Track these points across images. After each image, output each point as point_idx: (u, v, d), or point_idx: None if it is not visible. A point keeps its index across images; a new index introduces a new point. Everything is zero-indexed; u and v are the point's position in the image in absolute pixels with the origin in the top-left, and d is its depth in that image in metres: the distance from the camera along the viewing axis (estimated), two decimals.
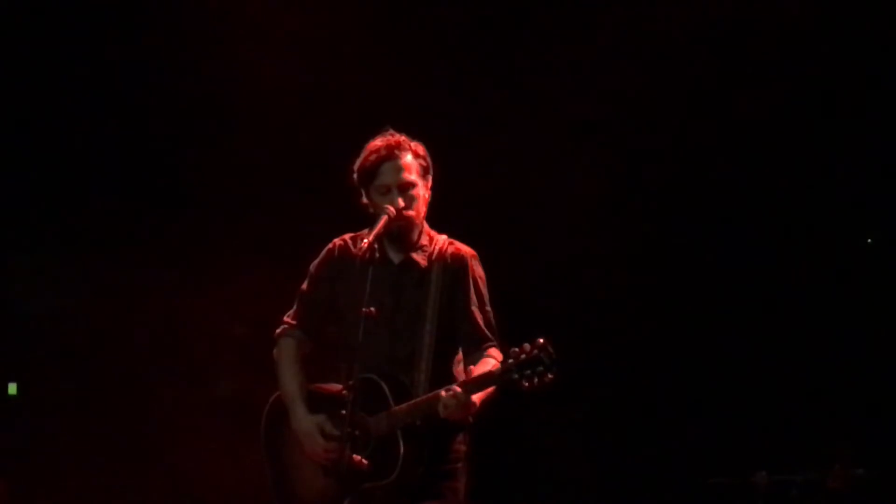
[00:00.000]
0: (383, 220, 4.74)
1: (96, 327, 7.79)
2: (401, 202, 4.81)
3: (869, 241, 7.67)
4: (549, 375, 4.45)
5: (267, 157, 7.64)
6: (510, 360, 4.50)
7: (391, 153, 4.85)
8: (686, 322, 7.59)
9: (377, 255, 4.73)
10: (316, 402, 4.88)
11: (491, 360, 4.79)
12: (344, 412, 4.61)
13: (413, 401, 4.72)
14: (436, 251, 4.94)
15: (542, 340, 4.47)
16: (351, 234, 5.01)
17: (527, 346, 4.49)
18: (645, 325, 7.63)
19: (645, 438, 7.57)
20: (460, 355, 4.97)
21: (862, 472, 6.51)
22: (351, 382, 4.51)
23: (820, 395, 7.32)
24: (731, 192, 7.57)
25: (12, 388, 7.85)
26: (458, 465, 4.88)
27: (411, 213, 4.84)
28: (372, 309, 4.58)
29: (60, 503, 7.56)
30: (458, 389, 4.57)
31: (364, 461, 4.59)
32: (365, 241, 4.66)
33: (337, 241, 5.04)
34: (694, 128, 7.47)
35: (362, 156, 4.91)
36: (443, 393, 4.60)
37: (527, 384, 4.46)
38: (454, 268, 4.91)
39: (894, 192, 7.41)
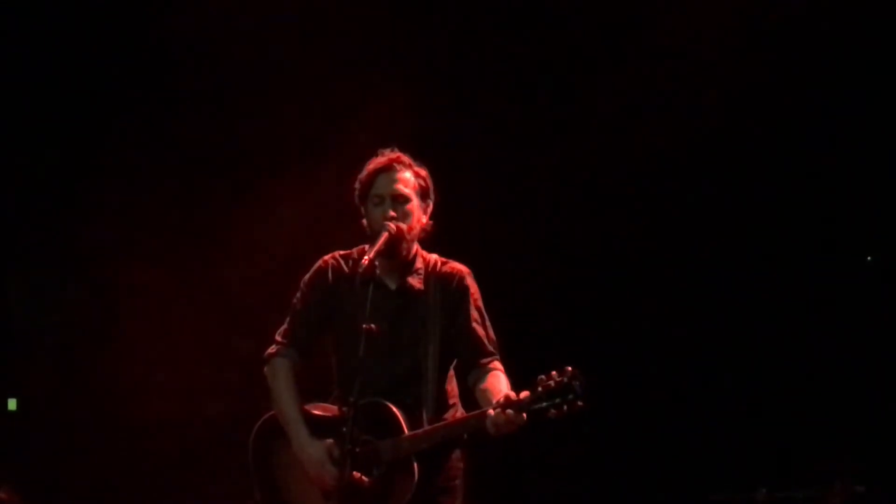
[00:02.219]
0: (384, 236, 4.73)
1: (96, 343, 7.78)
2: (392, 214, 4.80)
3: (869, 259, 7.68)
4: (580, 403, 4.41)
5: None
6: (539, 389, 4.46)
7: (390, 165, 4.87)
8: (687, 338, 7.59)
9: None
10: (317, 427, 4.83)
11: (501, 376, 4.79)
12: (361, 437, 4.60)
13: (441, 423, 4.74)
14: (430, 273, 4.94)
15: (570, 368, 4.45)
16: (341, 252, 5.00)
17: (554, 374, 4.45)
18: (645, 341, 7.63)
19: (645, 455, 7.56)
20: (452, 372, 4.96)
21: (862, 489, 6.51)
22: (352, 399, 4.47)
23: (820, 413, 7.31)
24: (734, 211, 7.58)
25: (12, 404, 7.84)
26: (457, 482, 4.88)
27: (402, 225, 4.81)
28: (373, 326, 4.55)
29: None
30: (511, 412, 4.49)
31: (364, 478, 4.57)
32: (366, 257, 4.63)
33: (328, 258, 5.01)
34: (697, 146, 7.48)
35: (363, 171, 4.92)
36: (491, 411, 4.55)
37: (554, 412, 4.43)
38: (451, 287, 4.92)
39: (894, 211, 7.42)
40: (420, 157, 5.00)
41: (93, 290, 7.81)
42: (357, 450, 4.48)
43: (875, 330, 7.40)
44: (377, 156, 4.95)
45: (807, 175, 7.45)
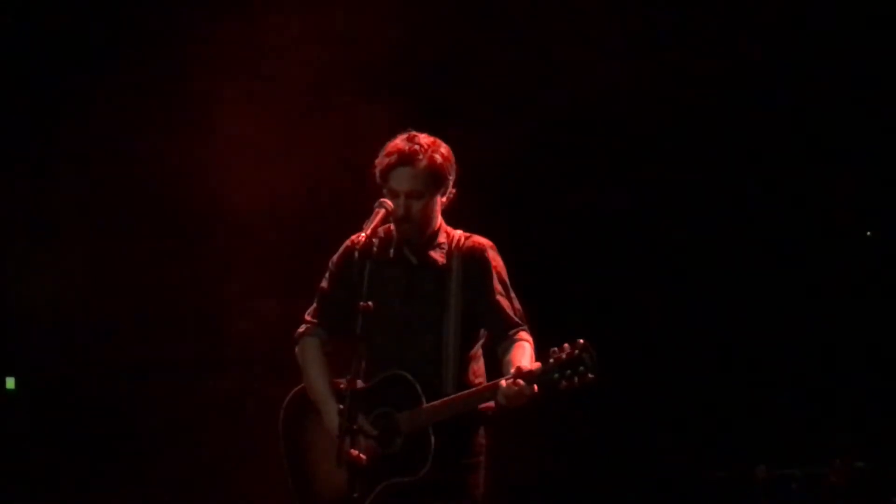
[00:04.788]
0: (380, 214, 4.76)
1: (95, 321, 7.77)
2: (404, 210, 4.84)
3: (868, 234, 7.67)
4: (591, 375, 4.50)
5: None
6: (550, 360, 4.54)
7: (405, 159, 4.85)
8: (685, 316, 7.59)
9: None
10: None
11: (526, 346, 4.84)
12: (381, 409, 4.76)
13: (458, 394, 4.78)
14: (453, 247, 4.97)
15: (582, 341, 4.52)
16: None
17: (567, 346, 4.53)
18: (644, 319, 7.63)
19: (645, 432, 7.58)
20: (479, 351, 5.01)
21: (861, 465, 6.52)
22: (348, 378, 4.52)
23: (820, 389, 7.32)
24: (730, 188, 7.58)
25: (10, 383, 7.84)
26: (480, 458, 4.93)
27: (413, 225, 4.87)
28: (370, 303, 4.58)
29: (58, 498, 7.56)
30: (522, 382, 4.56)
31: (362, 456, 4.59)
32: (362, 234, 4.67)
33: (355, 237, 4.98)
34: (694, 123, 7.46)
35: (380, 156, 4.92)
36: (503, 383, 4.62)
37: (565, 384, 4.50)
38: (473, 261, 4.94)
39: (894, 186, 7.41)
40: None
41: (93, 268, 7.79)
42: (355, 427, 4.50)
43: (875, 305, 7.39)
44: (394, 138, 4.94)
45: (806, 150, 7.44)
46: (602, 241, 7.71)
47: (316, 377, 4.99)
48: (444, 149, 4.94)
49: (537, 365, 4.59)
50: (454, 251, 4.95)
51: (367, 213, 4.77)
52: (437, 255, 4.95)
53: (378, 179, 4.92)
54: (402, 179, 4.84)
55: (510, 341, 4.87)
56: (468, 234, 5.02)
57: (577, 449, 7.65)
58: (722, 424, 7.42)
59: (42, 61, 7.57)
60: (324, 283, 5.07)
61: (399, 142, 4.90)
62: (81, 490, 7.56)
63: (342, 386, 4.84)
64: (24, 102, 7.63)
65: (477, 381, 4.96)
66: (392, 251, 4.92)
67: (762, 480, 6.57)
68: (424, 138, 4.92)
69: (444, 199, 4.94)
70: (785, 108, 7.40)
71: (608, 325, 7.50)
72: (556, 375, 4.51)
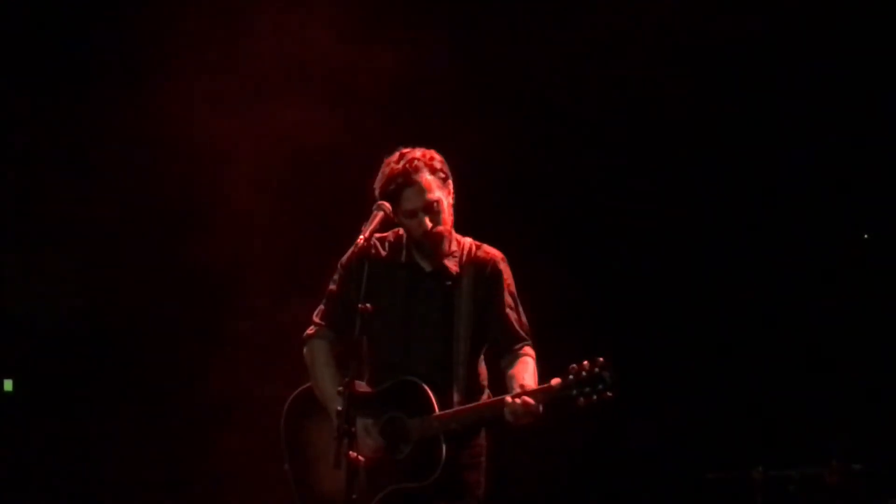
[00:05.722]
0: (378, 216, 4.79)
1: (92, 324, 7.77)
2: (428, 223, 4.88)
3: (866, 236, 7.67)
4: (609, 393, 4.56)
5: None
6: (570, 377, 4.60)
7: (409, 178, 4.88)
8: (682, 317, 7.59)
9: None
10: (354, 402, 4.84)
11: (529, 361, 4.91)
12: (387, 414, 4.85)
13: (468, 405, 4.84)
14: (465, 256, 5.01)
15: (602, 359, 4.57)
16: (378, 235, 5.04)
17: (586, 363, 4.58)
18: (642, 320, 7.62)
19: (642, 433, 7.57)
20: (482, 356, 5.05)
21: (859, 466, 6.51)
22: (346, 380, 4.54)
23: (817, 391, 7.32)
24: (729, 190, 7.57)
25: (8, 385, 7.84)
26: (481, 458, 5.00)
27: (441, 228, 4.92)
28: (368, 305, 4.62)
29: (56, 500, 7.55)
30: (531, 401, 4.64)
31: (360, 458, 4.61)
32: (361, 236, 4.71)
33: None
34: (695, 128, 7.46)
35: (381, 179, 4.94)
36: (508, 399, 4.68)
37: (583, 400, 4.57)
38: (485, 272, 5.00)
39: (891, 188, 7.40)
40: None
41: (90, 272, 7.79)
42: (353, 430, 4.52)
43: (872, 307, 7.39)
44: (389, 161, 4.95)
45: (804, 151, 7.44)
46: (600, 244, 7.72)
47: (323, 378, 5.03)
48: (436, 153, 4.98)
49: (556, 380, 4.65)
50: (465, 259, 5.00)
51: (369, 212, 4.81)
52: (450, 264, 5.00)
53: (381, 199, 4.92)
54: (414, 198, 4.88)
55: (514, 356, 4.95)
56: (478, 244, 5.08)
57: (576, 449, 7.64)
58: (719, 426, 7.42)
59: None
60: (332, 285, 5.09)
61: (394, 164, 4.92)
62: (80, 491, 7.56)
63: (339, 388, 4.87)
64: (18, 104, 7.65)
65: (482, 384, 5.02)
66: (403, 255, 4.97)
67: (760, 482, 6.57)
68: (415, 151, 4.95)
69: (450, 203, 4.97)
70: (783, 109, 7.41)
71: (606, 327, 7.52)
72: (575, 392, 4.57)
